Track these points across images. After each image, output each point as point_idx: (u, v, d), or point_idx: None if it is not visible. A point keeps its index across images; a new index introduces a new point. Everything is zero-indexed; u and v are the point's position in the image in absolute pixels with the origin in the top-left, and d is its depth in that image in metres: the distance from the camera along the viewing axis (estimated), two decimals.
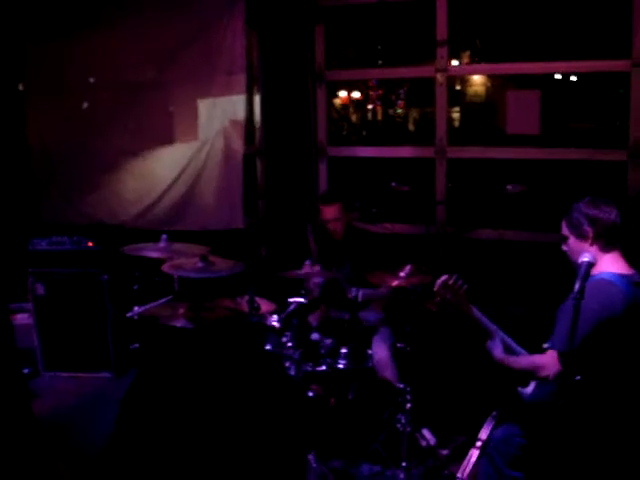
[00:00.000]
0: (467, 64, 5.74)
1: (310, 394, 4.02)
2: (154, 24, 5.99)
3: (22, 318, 5.57)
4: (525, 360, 3.17)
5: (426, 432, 4.11)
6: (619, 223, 3.03)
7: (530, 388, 3.21)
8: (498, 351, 3.19)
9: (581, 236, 3.06)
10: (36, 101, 6.52)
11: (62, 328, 5.41)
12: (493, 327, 3.28)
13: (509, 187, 4.72)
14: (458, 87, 6.04)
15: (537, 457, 3.06)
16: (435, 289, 3.29)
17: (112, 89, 6.23)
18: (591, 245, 3.03)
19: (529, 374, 3.14)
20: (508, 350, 3.26)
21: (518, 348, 3.31)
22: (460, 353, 4.49)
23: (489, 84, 5.96)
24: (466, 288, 3.25)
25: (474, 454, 3.37)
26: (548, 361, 2.96)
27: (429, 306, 3.50)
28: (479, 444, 3.37)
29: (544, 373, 2.96)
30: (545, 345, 3.06)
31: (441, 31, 5.40)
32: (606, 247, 3.02)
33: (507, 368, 3.18)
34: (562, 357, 2.90)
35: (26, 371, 5.31)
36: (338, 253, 4.76)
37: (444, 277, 3.26)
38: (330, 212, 4.67)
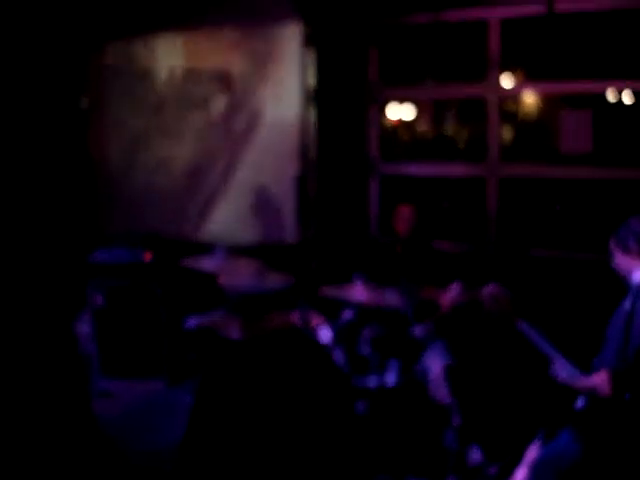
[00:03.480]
0: (519, 83, 5.77)
1: (358, 409, 4.07)
2: (218, 39, 6.18)
3: (81, 327, 5.76)
4: (585, 381, 3.17)
5: (474, 449, 4.13)
6: None
7: (579, 402, 3.22)
8: (563, 374, 3.20)
9: (627, 251, 3.07)
10: (99, 112, 6.74)
11: (119, 337, 5.58)
12: (547, 348, 3.28)
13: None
14: (510, 105, 6.05)
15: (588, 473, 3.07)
16: (482, 297, 3.33)
17: (178, 102, 6.43)
18: (638, 261, 3.04)
19: (590, 395, 3.15)
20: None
21: (570, 365, 3.32)
22: (510, 370, 4.49)
23: (542, 103, 5.96)
24: (512, 297, 3.27)
25: (521, 473, 3.39)
26: (602, 380, 2.97)
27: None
28: (527, 463, 3.39)
29: (603, 392, 2.97)
30: (595, 362, 3.07)
31: (493, 50, 5.45)
32: None
33: (571, 389, 3.19)
34: (613, 375, 2.91)
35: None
36: (398, 264, 4.81)
37: (491, 286, 3.30)
38: (405, 211, 4.86)
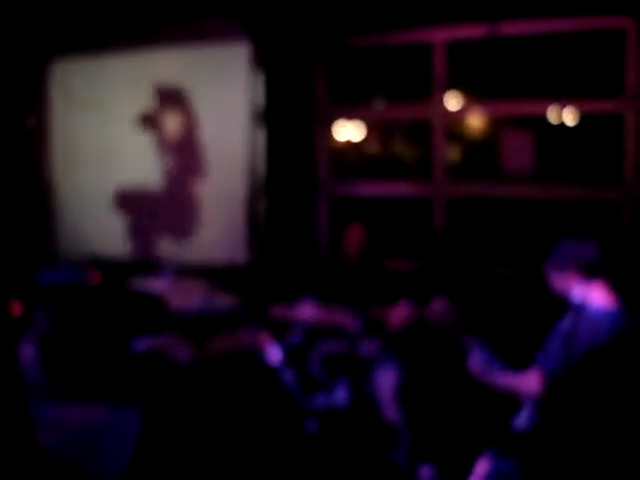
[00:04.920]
0: (464, 104, 5.89)
1: (308, 429, 4.06)
2: (167, 58, 6.19)
3: (25, 351, 5.63)
4: (508, 378, 3.22)
5: (424, 466, 4.15)
6: (600, 258, 3.14)
7: (522, 419, 3.27)
8: (475, 362, 3.25)
9: (562, 271, 3.16)
10: (45, 133, 6.66)
11: (64, 361, 5.46)
12: (491, 362, 3.33)
13: None
14: (456, 126, 6.17)
15: None
16: (428, 313, 3.39)
17: (125, 122, 6.39)
18: (573, 280, 3.13)
19: (512, 392, 3.20)
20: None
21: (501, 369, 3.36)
22: (459, 386, 4.54)
23: (487, 123, 6.09)
24: (457, 313, 3.34)
25: None
26: (533, 380, 3.02)
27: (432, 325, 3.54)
28: (476, 477, 3.42)
29: (528, 391, 3.02)
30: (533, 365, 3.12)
31: (438, 72, 5.56)
32: (588, 282, 3.11)
33: (487, 384, 3.24)
34: (546, 379, 2.96)
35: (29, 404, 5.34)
36: (347, 283, 4.85)
37: (437, 302, 3.36)
38: (355, 230, 4.91)
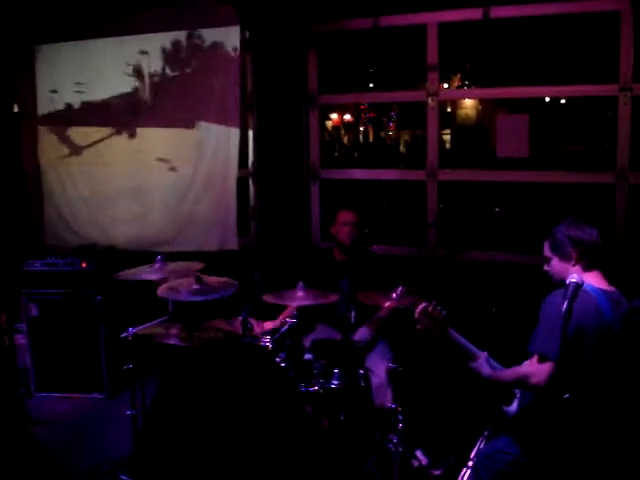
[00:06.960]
0: (457, 88, 5.85)
1: (303, 415, 4.04)
2: (154, 44, 6.09)
3: (16, 339, 5.59)
4: (512, 372, 3.20)
5: (418, 452, 4.14)
6: (600, 243, 3.11)
7: (514, 406, 3.26)
8: (485, 369, 3.25)
9: (565, 257, 3.13)
10: (30, 122, 6.57)
11: (55, 349, 5.43)
12: (474, 349, 3.33)
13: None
14: (449, 110, 6.13)
15: (527, 472, 3.12)
16: (415, 316, 3.35)
17: (107, 110, 6.30)
18: (574, 266, 3.10)
19: (520, 385, 3.18)
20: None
21: (500, 367, 3.36)
22: (452, 373, 4.53)
23: (480, 107, 6.06)
24: (445, 314, 3.31)
25: (466, 474, 3.41)
26: (534, 368, 3.00)
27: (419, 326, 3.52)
28: (471, 463, 3.41)
29: (533, 381, 2.99)
30: (529, 349, 3.10)
31: (432, 56, 5.50)
32: (588, 267, 3.10)
33: (497, 384, 3.23)
34: (544, 359, 2.93)
35: (20, 392, 5.31)
36: (338, 270, 4.82)
37: (423, 305, 3.33)
38: (347, 216, 4.82)
